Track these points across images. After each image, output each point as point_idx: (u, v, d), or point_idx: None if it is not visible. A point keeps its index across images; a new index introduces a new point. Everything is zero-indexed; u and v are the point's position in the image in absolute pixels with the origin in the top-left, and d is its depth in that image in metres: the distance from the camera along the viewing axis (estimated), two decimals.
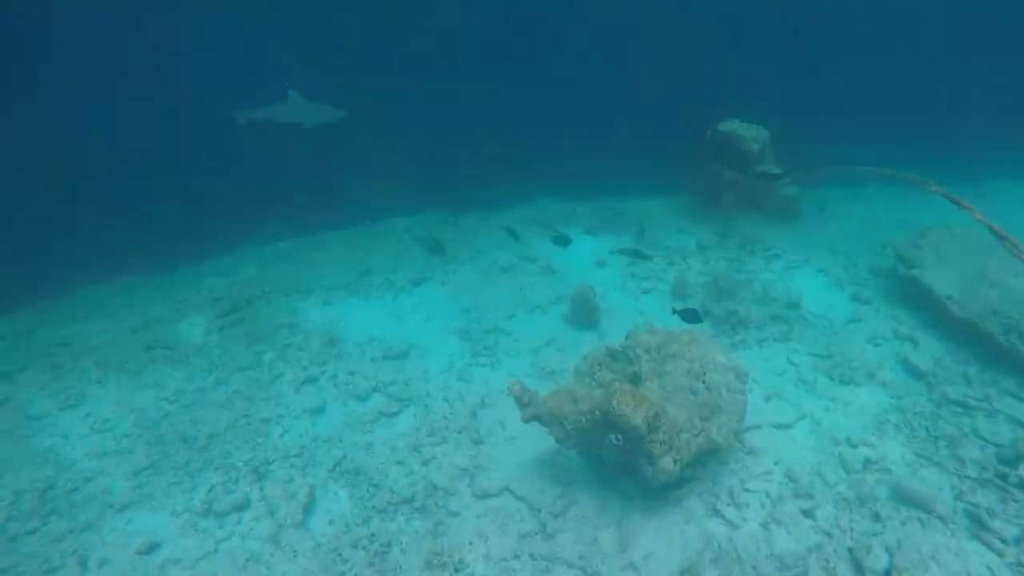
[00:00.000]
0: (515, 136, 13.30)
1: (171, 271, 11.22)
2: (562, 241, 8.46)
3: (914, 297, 8.27)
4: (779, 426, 6.55)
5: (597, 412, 5.10)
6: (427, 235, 10.92)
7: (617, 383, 5.23)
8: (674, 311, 6.58)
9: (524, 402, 5.40)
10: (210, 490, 6.12)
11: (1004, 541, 5.13)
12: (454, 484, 5.98)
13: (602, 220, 11.08)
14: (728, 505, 5.66)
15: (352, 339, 8.23)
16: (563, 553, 5.23)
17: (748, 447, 6.28)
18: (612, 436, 5.01)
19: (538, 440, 6.07)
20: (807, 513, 5.54)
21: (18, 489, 6.03)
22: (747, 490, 5.82)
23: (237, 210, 11.90)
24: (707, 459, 5.90)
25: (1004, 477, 5.74)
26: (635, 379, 6.09)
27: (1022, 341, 6.91)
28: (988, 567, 4.93)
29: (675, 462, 5.12)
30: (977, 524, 5.33)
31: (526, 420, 5.43)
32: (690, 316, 6.49)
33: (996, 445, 6.14)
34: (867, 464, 6.06)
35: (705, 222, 10.72)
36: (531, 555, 5.26)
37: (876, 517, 5.47)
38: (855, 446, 6.25)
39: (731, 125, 10.75)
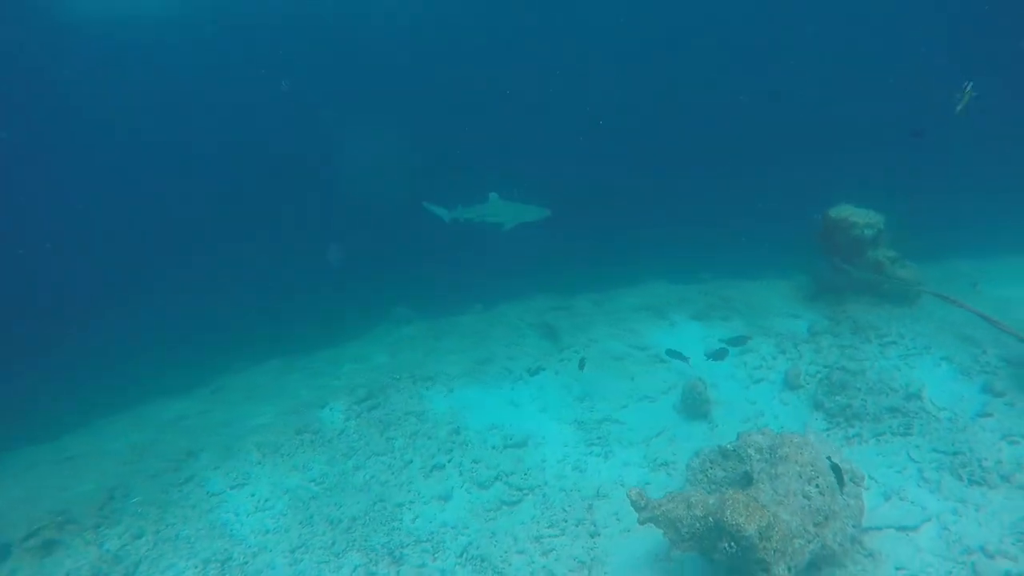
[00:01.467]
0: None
1: (312, 352, 12.67)
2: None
3: None
4: (901, 528, 6.44)
5: (711, 519, 5.38)
6: (541, 321, 11.64)
7: (730, 491, 5.51)
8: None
9: (641, 506, 5.77)
10: (354, 571, 6.87)
11: None
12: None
13: (710, 305, 11.29)
14: None
15: (474, 428, 8.92)
16: None
17: (867, 550, 6.22)
18: (725, 543, 5.26)
19: (653, 534, 6.35)
20: None
21: (205, 558, 7.07)
22: None
23: (371, 298, 13.40)
24: (822, 563, 5.95)
25: None
26: (746, 479, 6.31)
27: None
28: None
29: (788, 569, 5.27)
30: None
31: (643, 523, 5.79)
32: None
33: None
34: None
35: (817, 306, 10.67)
36: None
37: None
38: (991, 556, 6.02)
39: (843, 210, 10.69)
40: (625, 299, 12.28)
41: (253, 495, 8.14)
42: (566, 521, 7.05)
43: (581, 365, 9.34)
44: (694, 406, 8.48)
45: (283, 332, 13.09)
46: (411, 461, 8.39)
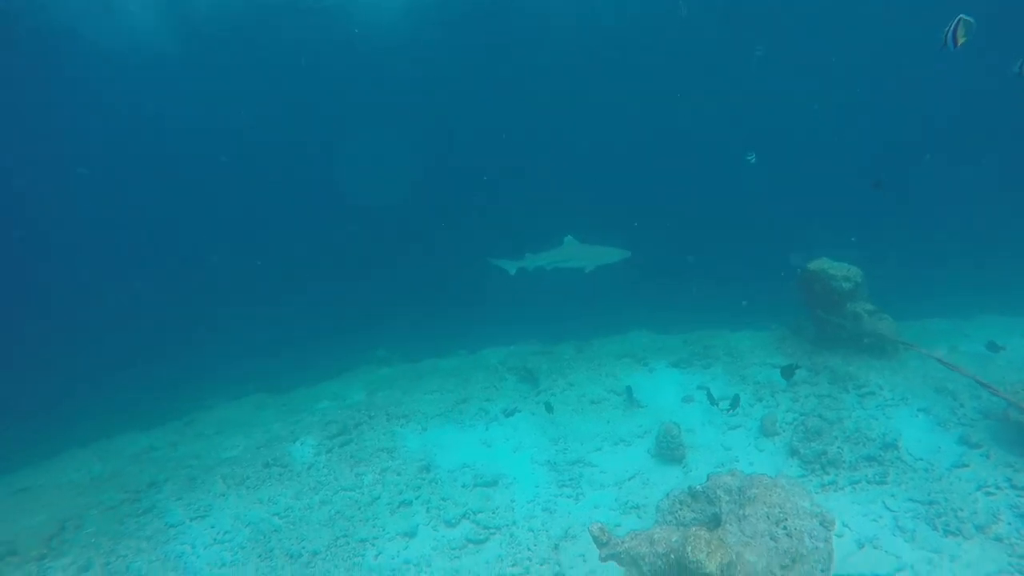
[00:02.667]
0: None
1: (290, 390, 12.54)
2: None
3: None
4: None
5: (672, 556, 5.24)
6: (521, 365, 11.57)
7: (693, 529, 5.37)
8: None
9: (603, 542, 5.61)
10: None
11: None
12: None
13: (692, 353, 11.29)
14: None
15: (445, 466, 8.76)
16: None
17: None
18: None
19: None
20: None
21: None
22: None
23: (353, 339, 13.36)
24: None
25: None
26: (715, 520, 6.16)
27: None
28: None
29: None
30: None
31: (604, 560, 5.62)
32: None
33: None
34: None
35: (795, 356, 10.66)
36: None
37: None
38: None
39: (821, 263, 10.85)
40: (607, 346, 12.28)
41: (213, 527, 7.91)
42: (530, 560, 6.84)
43: (549, 408, 9.30)
44: (669, 451, 8.36)
45: (261, 369, 12.99)
46: (379, 497, 8.20)
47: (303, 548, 7.41)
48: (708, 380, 10.27)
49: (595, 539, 5.60)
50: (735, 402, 8.94)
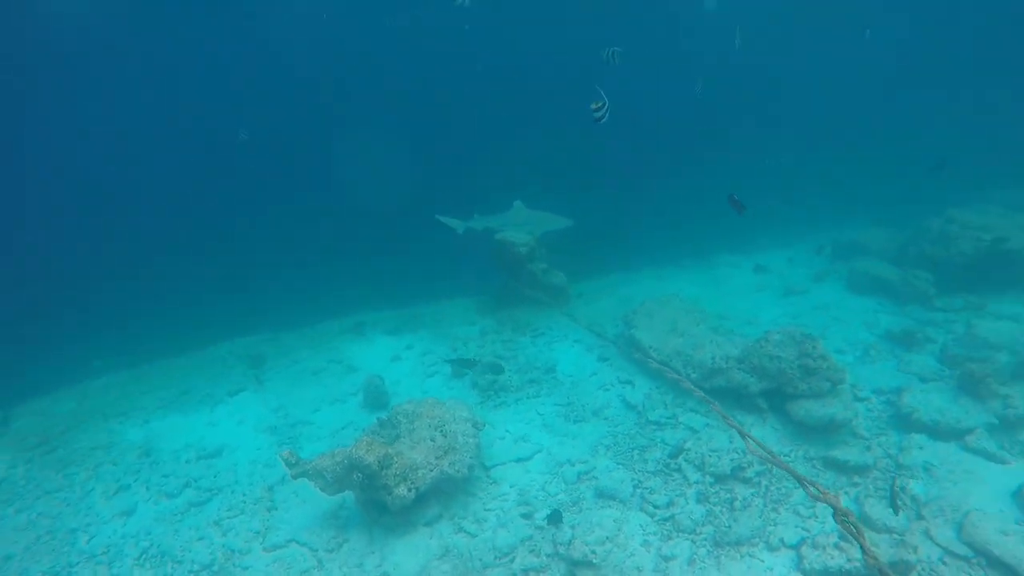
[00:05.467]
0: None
1: None
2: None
3: (634, 350, 10.69)
4: (520, 460, 8.38)
5: (346, 461, 6.68)
6: (249, 354, 12.20)
7: (364, 437, 6.87)
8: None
9: (292, 463, 6.85)
10: None
11: (656, 506, 7.19)
12: (248, 545, 7.16)
13: (403, 323, 12.97)
14: (472, 523, 7.29)
15: (167, 449, 9.22)
16: None
17: (493, 479, 8.03)
18: (356, 474, 6.58)
19: (327, 501, 7.48)
20: (526, 516, 7.29)
21: None
22: (487, 510, 7.51)
23: (57, 350, 12.55)
24: (455, 492, 7.58)
25: (668, 466, 7.90)
26: (396, 438, 7.76)
27: (695, 371, 9.37)
28: (641, 526, 6.92)
29: (410, 490, 6.75)
30: (643, 500, 7.36)
31: (296, 478, 6.86)
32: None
33: (670, 446, 8.33)
34: (580, 476, 7.99)
35: (490, 314, 12.91)
36: None
37: (580, 510, 7.34)
38: (573, 464, 8.19)
39: (504, 235, 13.22)
40: (332, 326, 13.43)
41: None
42: (245, 503, 7.80)
43: (258, 380, 10.19)
44: (374, 399, 9.85)
45: None
46: (92, 489, 8.41)
47: None
48: (416, 341, 12.02)
49: (285, 462, 6.81)
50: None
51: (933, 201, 14.27)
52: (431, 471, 7.09)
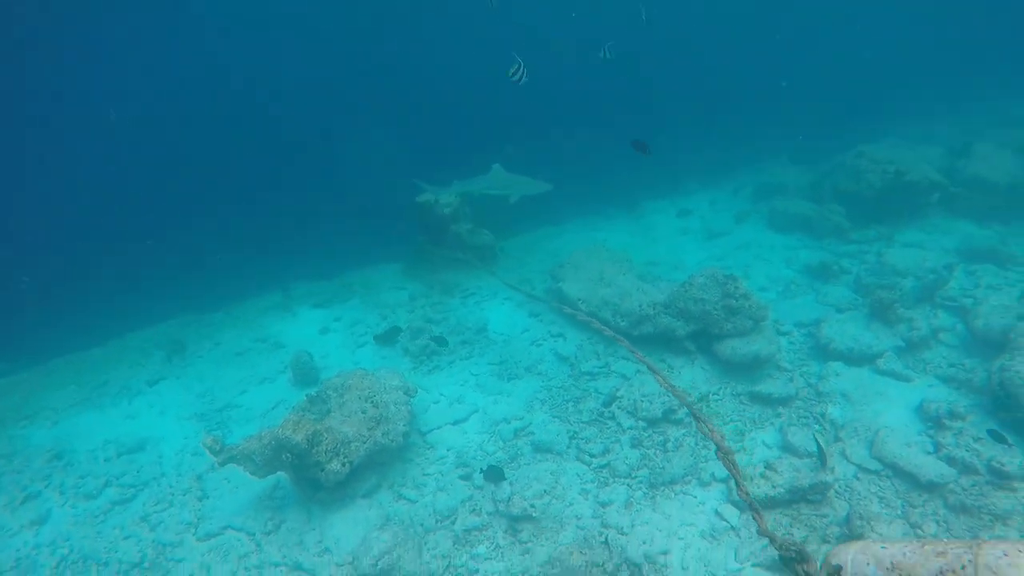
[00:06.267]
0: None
1: None
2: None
3: (562, 304, 10.72)
4: (456, 423, 8.33)
5: (274, 442, 6.43)
6: (170, 339, 11.57)
7: (291, 416, 6.63)
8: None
9: (217, 450, 6.55)
10: None
11: (592, 455, 7.29)
12: (180, 537, 6.88)
13: (333, 294, 12.56)
14: (411, 490, 7.22)
15: (83, 449, 8.69)
16: (272, 558, 6.42)
17: (430, 444, 7.96)
18: (285, 455, 6.36)
19: (260, 485, 7.24)
20: (465, 477, 7.27)
21: None
22: (426, 475, 7.45)
23: None
24: (392, 461, 7.48)
25: (602, 415, 8.01)
26: (326, 413, 7.54)
27: (623, 319, 9.46)
28: (578, 475, 7.02)
29: (343, 464, 6.60)
30: (580, 450, 7.45)
31: (222, 464, 6.58)
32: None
33: (603, 395, 8.44)
34: (517, 432, 8.01)
35: (419, 278, 12.66)
36: (246, 568, 6.36)
37: (518, 466, 7.37)
38: (509, 422, 8.20)
39: (426, 197, 12.89)
40: (258, 303, 12.89)
41: None
42: (173, 495, 7.47)
43: (172, 360, 9.78)
44: (303, 375, 9.54)
45: None
46: None
47: None
48: (346, 312, 11.68)
49: (209, 449, 6.51)
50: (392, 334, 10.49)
51: (846, 138, 14.80)
52: (364, 443, 6.94)
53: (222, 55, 19.27)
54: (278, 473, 6.95)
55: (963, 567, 1.94)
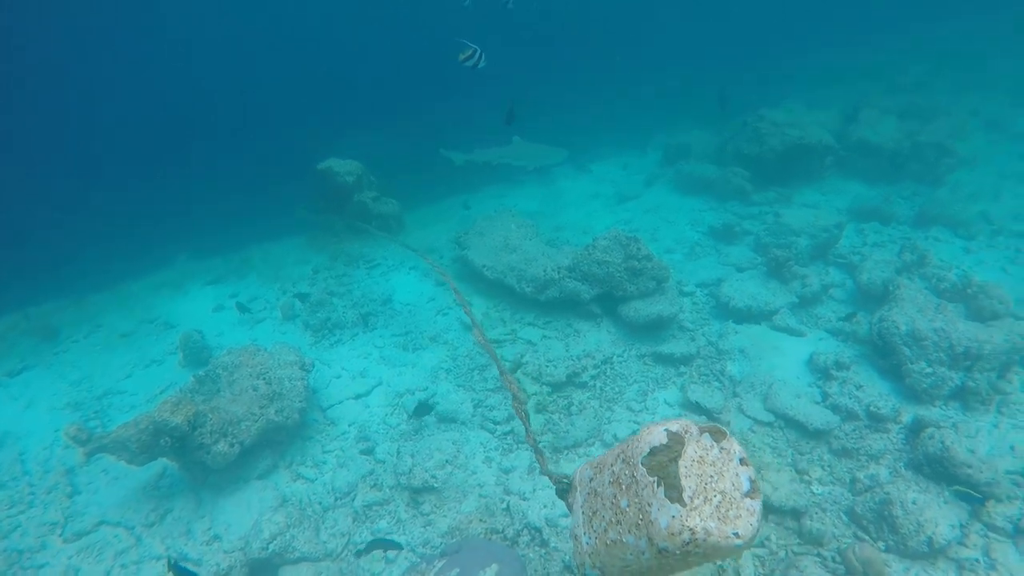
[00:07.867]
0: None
1: None
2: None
3: (468, 271, 10.45)
4: (358, 397, 8.00)
5: (150, 426, 5.92)
6: (41, 323, 10.55)
7: (169, 398, 6.12)
8: None
9: (83, 440, 5.97)
10: None
11: (496, 422, 7.18)
12: (42, 540, 6.26)
13: (230, 269, 11.81)
14: (309, 468, 6.88)
15: None
16: (153, 551, 5.95)
17: (331, 420, 7.61)
18: (163, 439, 5.87)
19: (141, 473, 6.69)
20: (367, 452, 7.00)
21: None
22: (326, 452, 7.12)
23: None
24: (290, 440, 7.10)
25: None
26: (216, 393, 7.04)
27: (529, 285, 9.31)
28: (482, 444, 6.88)
29: (232, 445, 6.17)
30: (484, 418, 7.31)
31: (90, 454, 6.01)
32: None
33: (509, 361, 8.31)
34: (422, 404, 7.77)
35: (323, 251, 12.08)
36: (123, 565, 5.87)
37: (421, 437, 7.15)
38: (413, 393, 7.95)
39: (328, 163, 12.26)
40: (145, 281, 11.96)
41: None
42: (34, 495, 6.80)
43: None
44: (195, 355, 8.91)
45: None
46: None
47: None
48: (243, 288, 11.02)
49: (73, 439, 5.93)
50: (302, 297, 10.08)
51: (749, 102, 15.15)
52: (255, 422, 6.52)
53: (107, 11, 17.66)
54: (161, 460, 6.46)
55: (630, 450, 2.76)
